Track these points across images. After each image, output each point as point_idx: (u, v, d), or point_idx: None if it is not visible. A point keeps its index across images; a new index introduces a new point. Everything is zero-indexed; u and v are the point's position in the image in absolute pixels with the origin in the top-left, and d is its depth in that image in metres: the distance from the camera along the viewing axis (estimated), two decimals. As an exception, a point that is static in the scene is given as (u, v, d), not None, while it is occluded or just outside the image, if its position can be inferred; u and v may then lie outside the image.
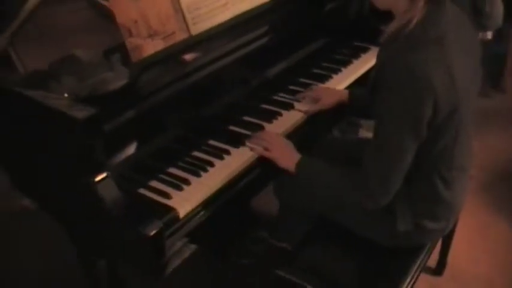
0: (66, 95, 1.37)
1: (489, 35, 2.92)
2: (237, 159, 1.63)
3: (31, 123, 1.47)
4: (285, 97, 1.96)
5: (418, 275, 1.70)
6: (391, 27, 1.46)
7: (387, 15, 1.49)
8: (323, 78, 2.09)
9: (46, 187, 1.60)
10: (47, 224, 2.09)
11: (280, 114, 1.86)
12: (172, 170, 1.58)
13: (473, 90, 1.52)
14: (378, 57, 1.53)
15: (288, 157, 1.64)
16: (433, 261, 2.23)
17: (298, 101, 1.93)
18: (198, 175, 1.56)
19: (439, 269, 2.26)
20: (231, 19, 1.82)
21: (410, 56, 1.34)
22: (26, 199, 2.40)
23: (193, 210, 1.47)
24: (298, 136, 1.81)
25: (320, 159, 1.64)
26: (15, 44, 1.55)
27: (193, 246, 1.72)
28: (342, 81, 2.09)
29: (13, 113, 1.52)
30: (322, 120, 1.92)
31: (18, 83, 1.49)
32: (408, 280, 1.63)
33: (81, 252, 1.65)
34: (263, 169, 1.66)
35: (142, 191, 1.50)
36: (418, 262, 1.69)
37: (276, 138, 1.70)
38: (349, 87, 2.08)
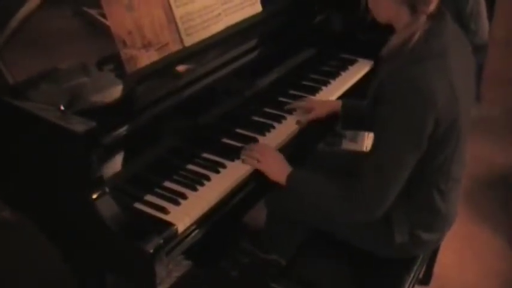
0: (62, 107, 1.32)
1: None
2: (233, 173, 1.61)
3: (24, 136, 1.42)
4: (276, 110, 1.95)
5: (413, 287, 1.70)
6: (392, 42, 1.46)
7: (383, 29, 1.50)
8: (313, 91, 2.09)
9: (38, 202, 1.55)
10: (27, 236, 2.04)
11: (273, 127, 1.85)
12: (168, 184, 1.55)
13: (470, 103, 1.55)
14: (379, 72, 1.53)
15: (279, 170, 1.63)
16: (419, 271, 2.25)
17: (290, 113, 1.93)
18: (194, 189, 1.53)
19: (425, 279, 2.28)
20: (224, 30, 1.81)
21: (413, 69, 1.35)
22: (6, 210, 2.35)
23: (191, 225, 1.44)
24: (290, 149, 1.80)
25: (310, 172, 1.63)
26: (3, 53, 1.50)
27: (187, 263, 1.69)
28: (331, 94, 2.10)
29: (3, 124, 1.47)
30: (313, 132, 1.92)
31: (8, 93, 1.44)
32: (404, 292, 1.64)
33: (74, 268, 1.60)
34: (260, 182, 1.64)
35: (138, 205, 1.47)
36: (412, 274, 1.69)
37: (268, 151, 1.68)
38: (338, 99, 2.09)
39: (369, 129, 2.07)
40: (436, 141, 1.41)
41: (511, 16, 3.42)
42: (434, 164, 1.48)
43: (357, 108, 1.87)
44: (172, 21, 1.66)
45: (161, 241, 1.31)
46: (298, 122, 1.88)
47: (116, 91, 1.50)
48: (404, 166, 1.41)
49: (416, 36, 1.37)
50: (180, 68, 1.66)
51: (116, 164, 1.43)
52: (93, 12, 1.75)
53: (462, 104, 1.41)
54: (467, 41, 1.56)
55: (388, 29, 1.49)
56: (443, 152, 1.46)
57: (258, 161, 1.64)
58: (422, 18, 1.38)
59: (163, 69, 1.61)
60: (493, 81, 3.57)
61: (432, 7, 1.38)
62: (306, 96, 2.04)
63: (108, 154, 1.39)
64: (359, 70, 2.25)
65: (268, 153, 1.67)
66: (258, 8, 1.94)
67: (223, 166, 1.63)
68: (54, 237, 1.56)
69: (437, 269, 2.25)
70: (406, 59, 1.37)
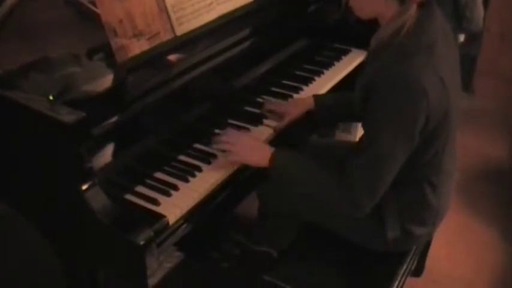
0: (51, 97, 1.30)
1: (461, 37, 2.97)
2: (225, 164, 1.59)
3: (13, 127, 1.40)
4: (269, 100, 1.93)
5: (405, 280, 1.70)
6: (381, 34, 1.44)
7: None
8: (306, 81, 2.07)
9: (27, 194, 1.52)
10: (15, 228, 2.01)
11: (266, 117, 1.83)
12: (159, 175, 1.53)
13: (459, 95, 1.53)
14: (368, 66, 1.51)
15: (257, 154, 1.54)
16: (411, 263, 2.25)
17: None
18: (186, 180, 1.51)
19: (417, 271, 2.28)
20: (216, 19, 1.79)
21: (403, 65, 1.33)
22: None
23: (182, 216, 1.43)
24: (283, 139, 1.78)
25: (295, 152, 1.57)
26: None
27: (179, 254, 1.67)
28: (324, 84, 2.08)
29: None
30: (306, 123, 1.90)
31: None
32: (396, 284, 1.63)
33: (65, 262, 1.58)
34: (252, 173, 1.62)
35: (129, 197, 1.45)
36: (405, 267, 1.69)
37: (237, 138, 1.58)
38: (331, 89, 2.08)
39: (348, 120, 2.03)
40: (427, 135, 1.39)
41: (506, 9, 3.42)
42: (425, 157, 1.47)
43: (331, 104, 1.84)
44: (164, 10, 1.63)
45: (152, 233, 1.30)
46: (275, 130, 1.78)
47: (106, 81, 1.47)
48: (395, 162, 1.39)
49: (406, 27, 1.35)
50: (172, 57, 1.64)
51: (106, 154, 1.42)
52: (83, 0, 1.72)
53: (452, 97, 1.40)
54: (451, 30, 1.53)
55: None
56: (434, 146, 1.45)
57: (231, 153, 1.55)
58: (413, 8, 1.35)
59: (154, 58, 1.58)
60: (487, 74, 3.57)
61: None
62: (299, 86, 2.03)
63: (98, 145, 1.37)
64: (352, 60, 2.24)
65: (239, 140, 1.57)
66: (251, -3, 1.92)
67: (215, 157, 1.61)
68: (44, 230, 1.54)
69: (429, 261, 2.26)
70: (396, 54, 1.35)
